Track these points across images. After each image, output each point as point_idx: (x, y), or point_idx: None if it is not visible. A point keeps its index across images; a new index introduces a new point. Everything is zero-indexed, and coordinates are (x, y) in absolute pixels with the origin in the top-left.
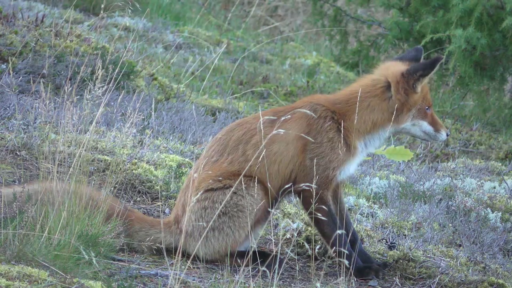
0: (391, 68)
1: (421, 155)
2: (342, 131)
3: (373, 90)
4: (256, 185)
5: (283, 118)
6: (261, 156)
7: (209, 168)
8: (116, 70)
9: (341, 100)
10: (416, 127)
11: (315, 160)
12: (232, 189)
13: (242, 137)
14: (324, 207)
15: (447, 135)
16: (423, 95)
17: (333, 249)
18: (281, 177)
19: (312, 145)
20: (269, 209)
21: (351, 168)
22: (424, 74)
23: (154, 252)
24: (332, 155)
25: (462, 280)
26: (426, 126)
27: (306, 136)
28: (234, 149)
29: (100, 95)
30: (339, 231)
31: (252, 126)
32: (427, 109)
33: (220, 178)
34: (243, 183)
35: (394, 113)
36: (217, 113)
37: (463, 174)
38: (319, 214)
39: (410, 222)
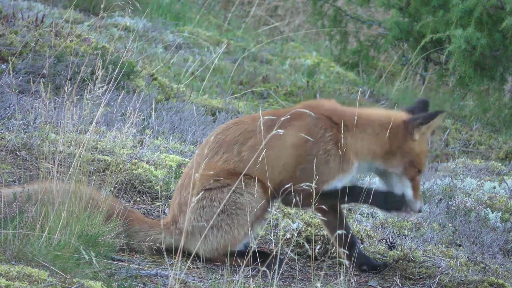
0: (399, 113)
1: None
2: (342, 145)
3: (383, 124)
4: (255, 183)
5: (282, 122)
6: (258, 159)
7: (204, 167)
8: (116, 70)
9: (351, 117)
10: (399, 184)
11: (305, 172)
12: (232, 187)
13: (238, 138)
14: (309, 206)
15: (419, 211)
16: (419, 152)
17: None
18: (273, 182)
19: (307, 156)
20: (268, 209)
21: (339, 184)
22: (423, 123)
23: (154, 252)
24: (325, 168)
25: (462, 280)
26: (408, 187)
27: (306, 137)
28: (229, 148)
29: (100, 95)
30: (339, 231)
31: (249, 128)
32: (417, 172)
33: (218, 177)
34: (242, 182)
35: (389, 154)
36: (217, 113)
37: (463, 174)
38: (319, 214)
39: (410, 222)
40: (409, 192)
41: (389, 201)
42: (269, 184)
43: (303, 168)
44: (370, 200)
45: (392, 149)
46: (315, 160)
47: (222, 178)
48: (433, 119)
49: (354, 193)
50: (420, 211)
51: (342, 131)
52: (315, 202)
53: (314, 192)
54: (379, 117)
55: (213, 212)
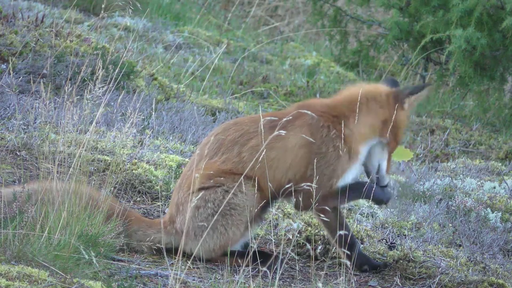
0: (379, 86)
1: (421, 155)
2: (345, 136)
3: (369, 97)
4: (250, 183)
5: (283, 123)
6: (259, 159)
7: (203, 167)
8: (116, 70)
9: (343, 104)
10: (379, 155)
11: (318, 170)
12: (226, 188)
13: (239, 139)
14: (327, 208)
15: (387, 186)
16: (404, 125)
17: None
18: (277, 183)
19: (317, 155)
20: (268, 209)
21: (352, 175)
22: (413, 93)
23: (154, 252)
24: (337, 164)
25: (462, 280)
26: (385, 160)
27: (309, 140)
28: (229, 149)
29: (100, 95)
30: (340, 232)
31: (250, 129)
32: (395, 145)
33: (213, 177)
34: (243, 182)
35: (383, 123)
36: (217, 113)
37: (463, 174)
38: (322, 215)
39: (410, 222)
40: (384, 165)
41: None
42: (269, 185)
43: (313, 167)
44: (366, 194)
45: (385, 117)
46: (326, 158)
47: (217, 178)
48: (422, 91)
49: (356, 188)
50: (387, 186)
51: (343, 122)
52: (335, 200)
53: (314, 192)
54: (364, 93)
55: (207, 213)
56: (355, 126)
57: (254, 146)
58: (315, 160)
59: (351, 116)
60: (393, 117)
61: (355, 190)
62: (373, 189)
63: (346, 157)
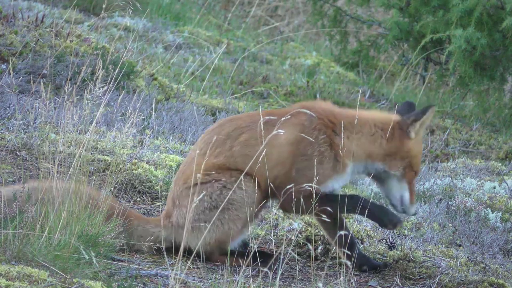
0: (391, 115)
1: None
2: (333, 144)
3: (378, 124)
4: (247, 179)
5: (279, 121)
6: (250, 155)
7: (197, 162)
8: (116, 70)
9: (348, 118)
10: (397, 187)
11: (300, 172)
12: (223, 183)
13: (231, 133)
14: (309, 208)
15: (414, 214)
16: (416, 153)
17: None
18: (266, 178)
19: (301, 156)
20: (266, 206)
21: (335, 185)
22: (416, 119)
23: (154, 252)
24: (319, 169)
25: (462, 280)
26: (406, 191)
27: (301, 135)
28: (222, 143)
29: (100, 95)
30: (341, 232)
31: (243, 124)
32: (414, 174)
33: (210, 172)
34: (242, 179)
35: (389, 156)
36: (217, 113)
37: (463, 174)
38: (323, 216)
39: (410, 222)
40: (406, 196)
41: (385, 217)
42: (270, 183)
43: (298, 168)
44: (367, 213)
45: (391, 151)
46: (310, 161)
47: (213, 173)
48: (425, 114)
49: (352, 203)
50: (415, 214)
51: (340, 132)
52: (315, 203)
53: (314, 192)
54: (373, 118)
55: (204, 206)
56: (348, 141)
57: (244, 140)
58: (298, 160)
59: (348, 130)
60: (402, 149)
61: (351, 203)
62: (369, 206)
63: (329, 164)
